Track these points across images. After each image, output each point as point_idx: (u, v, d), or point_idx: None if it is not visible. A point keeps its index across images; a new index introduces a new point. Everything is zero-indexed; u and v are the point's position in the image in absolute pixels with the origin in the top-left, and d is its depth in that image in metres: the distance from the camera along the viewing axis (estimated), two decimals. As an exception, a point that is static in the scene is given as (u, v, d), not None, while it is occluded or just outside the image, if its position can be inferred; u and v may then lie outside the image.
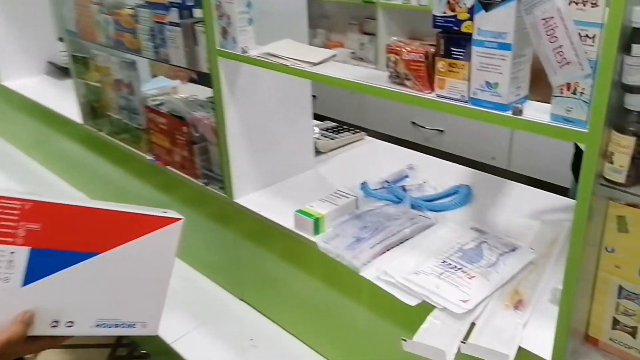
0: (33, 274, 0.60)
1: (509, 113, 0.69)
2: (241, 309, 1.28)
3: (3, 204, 0.57)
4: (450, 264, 0.91)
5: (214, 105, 1.15)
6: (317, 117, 1.51)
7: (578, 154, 1.22)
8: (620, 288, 0.69)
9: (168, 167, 1.36)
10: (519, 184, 1.23)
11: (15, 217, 0.58)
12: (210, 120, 1.21)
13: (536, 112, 0.68)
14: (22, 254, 0.59)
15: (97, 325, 0.65)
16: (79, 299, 0.64)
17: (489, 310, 0.83)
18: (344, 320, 1.07)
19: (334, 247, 0.98)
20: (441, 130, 2.30)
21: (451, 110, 0.75)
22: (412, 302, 0.85)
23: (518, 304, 0.83)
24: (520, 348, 0.76)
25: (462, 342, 0.76)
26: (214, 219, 1.31)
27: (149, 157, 1.43)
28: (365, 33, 2.79)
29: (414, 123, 2.38)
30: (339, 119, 2.60)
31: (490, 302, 0.84)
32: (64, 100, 1.79)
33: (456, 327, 0.80)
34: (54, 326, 0.62)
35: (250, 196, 1.20)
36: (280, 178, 1.26)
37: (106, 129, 1.63)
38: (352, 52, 2.80)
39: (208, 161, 1.27)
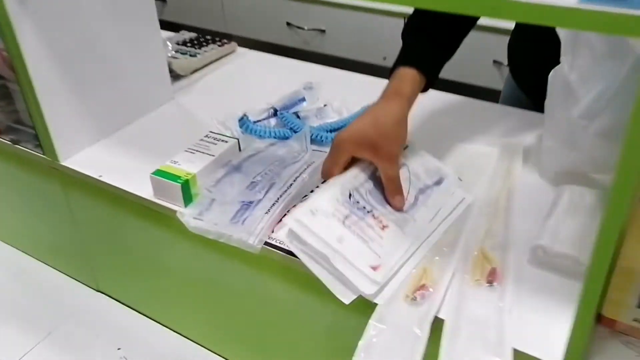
0: None
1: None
2: (100, 305, 0.94)
3: None
4: (358, 202, 0.64)
5: (0, 26, 0.74)
6: (167, 26, 1.12)
7: (517, 36, 0.96)
8: (663, 256, 0.46)
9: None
10: (440, 92, 0.97)
11: None
12: (2, 50, 0.79)
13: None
14: None
15: None
16: None
17: (456, 293, 0.58)
18: (244, 309, 0.78)
19: (213, 222, 0.67)
20: (322, 30, 1.97)
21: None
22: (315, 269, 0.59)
23: (491, 276, 0.59)
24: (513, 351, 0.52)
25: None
26: (39, 190, 0.92)
27: None
28: None
29: (289, 24, 2.02)
30: (198, 26, 2.17)
31: (455, 277, 0.59)
32: None
33: (411, 330, 0.54)
34: None
35: (84, 154, 0.83)
36: (125, 121, 0.89)
37: None
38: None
39: (11, 109, 0.86)
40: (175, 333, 0.88)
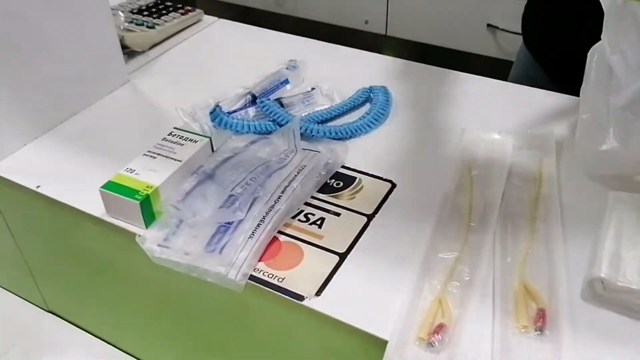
0: None
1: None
2: (55, 329, 0.80)
3: None
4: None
5: None
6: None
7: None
8: None
9: None
10: (416, 62, 0.83)
11: None
12: None
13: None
14: None
15: None
16: None
17: (499, 344, 0.45)
18: (219, 337, 0.64)
19: (182, 251, 0.52)
20: (295, -9, 1.79)
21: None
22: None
23: (540, 320, 0.47)
24: None
25: None
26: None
27: None
28: None
29: (258, -16, 1.83)
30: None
31: (495, 323, 0.47)
32: None
33: None
34: None
35: (17, 157, 0.67)
36: (67, 114, 0.73)
37: None
38: None
39: None
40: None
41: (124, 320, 0.73)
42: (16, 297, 0.83)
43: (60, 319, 0.80)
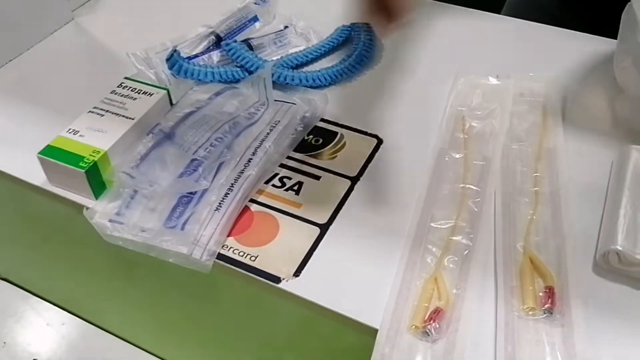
0: None
1: None
2: (8, 295, 0.73)
3: None
4: None
5: None
6: None
7: None
8: None
9: None
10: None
11: None
12: None
13: None
14: None
15: None
16: None
17: (503, 328, 0.40)
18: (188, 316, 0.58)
19: (138, 227, 0.45)
20: None
21: None
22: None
23: (549, 300, 0.41)
24: None
25: None
26: None
27: None
28: None
29: None
30: None
31: (498, 305, 0.41)
32: None
33: None
34: None
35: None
36: (1, 59, 0.62)
37: None
38: None
39: None
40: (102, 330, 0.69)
41: (80, 289, 0.66)
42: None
43: (14, 286, 0.73)
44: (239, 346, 0.56)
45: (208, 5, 0.69)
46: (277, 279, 0.43)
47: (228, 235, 0.45)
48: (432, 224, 0.46)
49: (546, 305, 0.41)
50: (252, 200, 0.48)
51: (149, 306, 0.61)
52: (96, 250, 0.55)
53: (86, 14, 0.70)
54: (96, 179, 0.47)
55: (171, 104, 0.54)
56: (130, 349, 0.67)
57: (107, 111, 0.51)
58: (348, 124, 0.55)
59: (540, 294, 0.41)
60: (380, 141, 0.54)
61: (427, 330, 0.39)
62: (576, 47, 0.63)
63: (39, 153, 0.48)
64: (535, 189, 0.49)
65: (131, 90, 0.53)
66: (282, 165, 0.51)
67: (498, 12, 0.77)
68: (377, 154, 0.52)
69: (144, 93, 0.53)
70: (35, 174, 0.50)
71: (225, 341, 0.57)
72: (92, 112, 0.51)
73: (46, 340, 0.69)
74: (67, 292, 0.70)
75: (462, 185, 0.49)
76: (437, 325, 0.40)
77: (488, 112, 0.56)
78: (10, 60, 0.63)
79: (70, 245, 0.60)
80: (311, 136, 0.54)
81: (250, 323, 0.51)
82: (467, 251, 0.44)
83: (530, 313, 0.41)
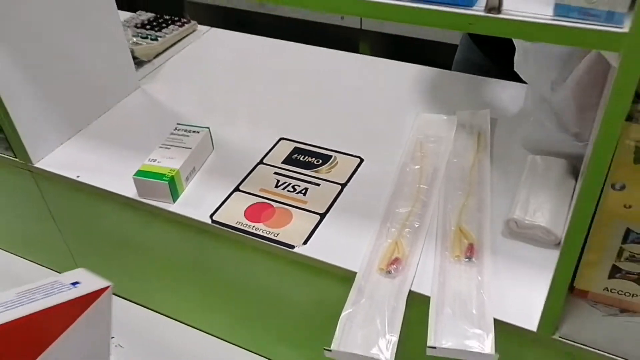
0: None
1: (478, 10, 0.41)
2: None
3: None
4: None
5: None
6: (124, 4, 1.08)
7: None
8: (629, 231, 0.51)
9: None
10: (381, 59, 1.00)
11: None
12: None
13: (526, 2, 0.41)
14: None
15: None
16: None
17: (436, 269, 0.62)
18: (234, 288, 0.80)
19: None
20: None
21: (386, 14, 0.44)
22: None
23: (469, 251, 0.63)
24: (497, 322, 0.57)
25: (430, 347, 0.54)
26: (16, 191, 0.91)
27: None
28: None
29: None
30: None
31: (436, 255, 0.63)
32: None
33: (389, 302, 0.59)
34: None
35: (57, 153, 0.82)
36: (93, 116, 0.88)
37: None
38: None
39: (-26, 112, 0.84)
40: (165, 317, 0.90)
41: (153, 283, 0.89)
42: (38, 266, 0.99)
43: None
44: (264, 306, 0.78)
45: (234, 70, 0.94)
46: (292, 246, 0.65)
47: (258, 222, 0.68)
48: (396, 210, 0.69)
49: (467, 254, 0.62)
50: (274, 200, 0.71)
51: (203, 291, 0.83)
52: (172, 250, 0.78)
53: (149, 83, 0.96)
54: (174, 188, 0.71)
55: (212, 140, 0.78)
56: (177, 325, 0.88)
57: (172, 145, 0.75)
58: (339, 149, 0.78)
59: (464, 248, 0.63)
60: (362, 160, 0.77)
61: (389, 270, 0.61)
62: (501, 91, 0.87)
63: (134, 175, 0.72)
64: (468, 186, 0.71)
65: (184, 131, 0.77)
66: (294, 178, 0.74)
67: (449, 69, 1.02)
68: (359, 169, 0.76)
69: (193, 132, 0.77)
70: (127, 190, 0.73)
71: (255, 305, 0.78)
72: (162, 146, 0.75)
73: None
74: (141, 290, 0.92)
75: (417, 185, 0.72)
76: (396, 267, 0.61)
77: (438, 138, 0.79)
78: (98, 118, 0.88)
79: (144, 249, 0.83)
80: (314, 158, 0.77)
81: (274, 282, 0.73)
82: (417, 224, 0.66)
83: (456, 259, 0.62)
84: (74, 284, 0.54)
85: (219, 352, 0.84)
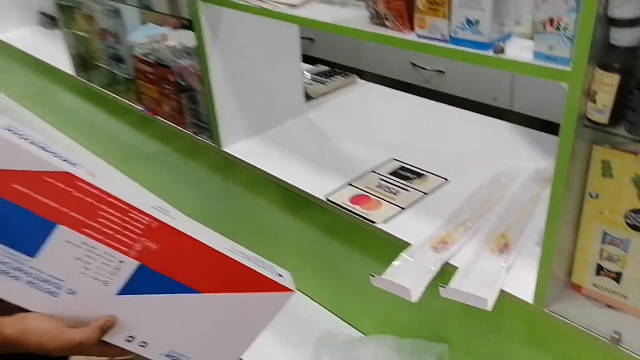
0: (131, 287, 0.59)
1: (489, 52, 0.66)
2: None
3: (133, 214, 0.56)
4: None
5: (198, 52, 1.12)
6: (315, 60, 1.47)
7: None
8: (605, 234, 0.68)
9: (158, 117, 1.34)
10: (518, 125, 1.21)
11: (139, 231, 0.57)
12: (195, 68, 1.18)
13: (519, 50, 0.65)
14: (130, 265, 0.58)
15: (167, 355, 0.64)
16: (162, 325, 0.63)
17: (473, 254, 0.82)
18: (359, 276, 1.07)
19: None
20: (441, 71, 2.23)
21: (431, 50, 0.72)
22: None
23: (503, 248, 0.82)
24: (502, 291, 0.75)
25: (441, 286, 0.75)
26: (206, 168, 1.30)
27: (140, 108, 1.41)
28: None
29: (413, 64, 2.32)
30: (338, 61, 2.54)
31: (475, 246, 0.83)
32: (57, 52, 1.75)
33: (428, 265, 0.80)
34: (128, 341, 0.62)
35: (240, 144, 1.18)
36: (270, 125, 1.24)
37: (97, 80, 1.60)
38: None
39: (196, 110, 1.25)
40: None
41: (305, 264, 1.19)
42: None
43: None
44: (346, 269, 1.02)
45: (376, 112, 1.24)
46: (374, 222, 0.90)
47: (357, 204, 0.95)
48: (459, 214, 0.90)
49: (501, 249, 0.82)
50: (371, 194, 0.97)
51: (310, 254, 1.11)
52: (312, 220, 1.08)
53: (312, 112, 1.30)
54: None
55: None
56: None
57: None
58: (432, 172, 1.02)
59: (500, 245, 0.83)
60: (447, 180, 1.00)
61: (436, 247, 0.83)
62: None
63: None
64: (524, 210, 0.90)
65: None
66: (391, 184, 1.00)
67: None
68: (443, 186, 0.99)
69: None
70: (278, 170, 1.06)
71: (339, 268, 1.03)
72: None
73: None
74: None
75: (483, 202, 0.93)
76: (442, 247, 0.83)
77: (515, 177, 0.99)
78: (273, 127, 1.24)
79: (294, 219, 1.13)
80: (411, 174, 1.02)
81: (359, 249, 0.98)
82: (470, 225, 0.87)
83: (491, 250, 0.82)
84: (280, 275, 0.66)
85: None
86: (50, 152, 0.53)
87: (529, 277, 0.77)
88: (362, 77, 1.49)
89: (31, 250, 0.55)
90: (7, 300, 0.56)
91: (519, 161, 1.04)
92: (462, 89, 2.17)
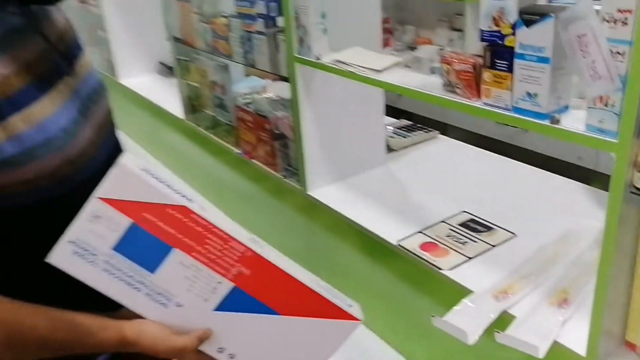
0: (225, 305, 0.70)
1: (547, 122, 0.74)
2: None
3: (232, 244, 0.68)
4: None
5: (292, 105, 1.27)
6: (402, 112, 1.58)
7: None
8: (655, 295, 0.72)
9: (253, 160, 1.50)
10: (594, 188, 1.24)
11: (236, 258, 0.68)
12: (289, 119, 1.33)
13: (574, 121, 0.73)
14: (226, 286, 0.69)
15: None
16: (248, 341, 0.73)
17: (532, 305, 0.87)
18: (422, 317, 1.14)
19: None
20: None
21: (496, 117, 0.81)
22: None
23: (563, 302, 0.87)
24: (556, 342, 0.80)
25: (496, 331, 0.82)
26: (291, 209, 1.44)
27: (238, 151, 1.58)
28: (455, 29, 2.79)
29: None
30: (425, 115, 2.64)
31: (536, 299, 0.89)
32: (170, 98, 2.00)
33: (487, 312, 0.86)
34: (219, 352, 0.72)
35: (323, 189, 1.31)
36: (352, 172, 1.35)
37: (203, 124, 1.81)
38: (441, 49, 2.81)
39: (287, 156, 1.39)
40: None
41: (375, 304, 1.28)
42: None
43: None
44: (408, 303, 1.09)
45: (453, 167, 1.32)
46: (440, 269, 0.98)
47: (426, 251, 1.03)
48: (522, 268, 0.96)
49: (560, 303, 0.87)
50: (440, 242, 1.05)
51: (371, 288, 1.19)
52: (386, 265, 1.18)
53: (393, 163, 1.41)
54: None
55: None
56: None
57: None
58: (501, 226, 1.09)
59: (560, 300, 0.88)
60: (515, 235, 1.06)
61: (497, 297, 0.89)
62: None
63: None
64: (586, 269, 0.94)
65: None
66: (460, 234, 1.07)
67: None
68: (510, 240, 1.05)
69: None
70: (358, 216, 1.16)
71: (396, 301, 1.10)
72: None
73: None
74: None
75: (548, 258, 0.98)
76: (503, 297, 0.89)
77: (580, 237, 1.03)
78: (347, 177, 1.35)
79: (370, 261, 1.23)
80: (480, 227, 1.09)
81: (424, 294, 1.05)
82: (534, 278, 0.93)
83: (551, 304, 0.87)
84: (349, 305, 0.72)
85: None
86: (174, 189, 0.67)
87: (584, 332, 0.82)
88: (447, 131, 1.58)
89: (152, 267, 0.68)
90: (127, 307, 0.69)
91: (588, 220, 1.08)
92: (546, 146, 2.19)
